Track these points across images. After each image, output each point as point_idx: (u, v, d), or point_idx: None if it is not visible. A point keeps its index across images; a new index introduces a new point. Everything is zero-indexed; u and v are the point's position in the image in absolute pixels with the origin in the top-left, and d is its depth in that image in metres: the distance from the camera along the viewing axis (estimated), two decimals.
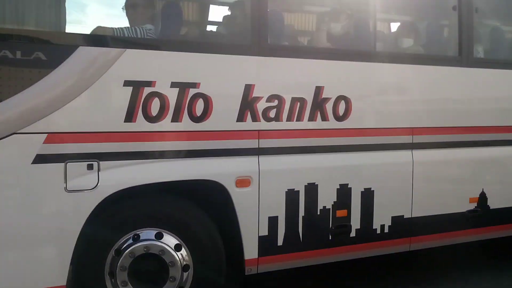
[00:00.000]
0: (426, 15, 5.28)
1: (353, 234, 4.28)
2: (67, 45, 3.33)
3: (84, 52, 3.35)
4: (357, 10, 4.70)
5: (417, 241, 4.58)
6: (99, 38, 3.53)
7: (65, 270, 3.34)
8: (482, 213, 4.84)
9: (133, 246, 3.59)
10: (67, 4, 3.60)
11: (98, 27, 3.61)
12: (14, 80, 3.18)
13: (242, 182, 3.83)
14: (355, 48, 4.48)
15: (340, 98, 4.15)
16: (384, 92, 4.46)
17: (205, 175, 3.72)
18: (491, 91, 4.88)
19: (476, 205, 4.82)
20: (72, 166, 3.32)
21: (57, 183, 3.29)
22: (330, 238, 4.22)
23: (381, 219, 4.37)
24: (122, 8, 3.85)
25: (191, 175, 3.69)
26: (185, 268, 3.72)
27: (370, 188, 4.32)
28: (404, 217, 4.47)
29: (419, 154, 4.50)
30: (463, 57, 4.67)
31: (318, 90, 4.07)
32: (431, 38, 5.16)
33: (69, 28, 3.64)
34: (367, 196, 4.30)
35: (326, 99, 4.10)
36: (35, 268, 3.27)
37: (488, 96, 4.87)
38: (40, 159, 3.24)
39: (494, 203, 4.91)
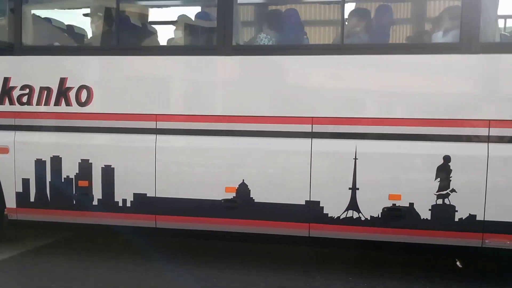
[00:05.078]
0: None
1: (95, 202, 5.06)
2: None
3: None
4: None
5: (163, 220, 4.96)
6: None
7: None
8: (241, 204, 4.77)
9: None
10: None
11: None
12: None
13: (2, 150, 5.20)
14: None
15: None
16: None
17: None
18: None
19: (234, 196, 4.79)
20: None
21: None
22: (74, 203, 5.12)
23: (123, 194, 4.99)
24: None
25: None
26: None
27: (111, 165, 4.99)
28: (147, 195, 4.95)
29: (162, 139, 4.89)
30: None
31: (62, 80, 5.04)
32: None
33: None
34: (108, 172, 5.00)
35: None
36: None
37: None
38: None
39: (259, 196, 4.75)
